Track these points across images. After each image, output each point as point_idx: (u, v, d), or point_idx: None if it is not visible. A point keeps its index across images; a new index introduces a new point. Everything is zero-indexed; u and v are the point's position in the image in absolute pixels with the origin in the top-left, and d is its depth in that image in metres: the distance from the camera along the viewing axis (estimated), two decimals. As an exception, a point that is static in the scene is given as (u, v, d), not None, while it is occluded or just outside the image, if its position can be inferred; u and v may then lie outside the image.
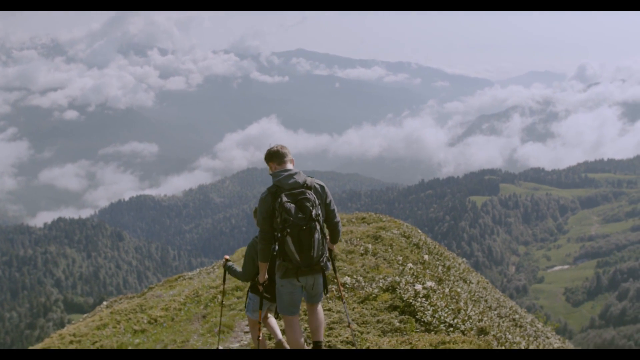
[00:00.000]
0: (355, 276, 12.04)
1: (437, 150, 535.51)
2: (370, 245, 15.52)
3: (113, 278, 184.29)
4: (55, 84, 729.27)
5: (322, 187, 6.64)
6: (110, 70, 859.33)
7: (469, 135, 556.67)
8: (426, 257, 15.80)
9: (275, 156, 6.80)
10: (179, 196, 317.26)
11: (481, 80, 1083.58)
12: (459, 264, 18.65)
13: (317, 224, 6.29)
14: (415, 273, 12.56)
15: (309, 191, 6.35)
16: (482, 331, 9.32)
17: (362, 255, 14.70)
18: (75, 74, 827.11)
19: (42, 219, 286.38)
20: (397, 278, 11.22)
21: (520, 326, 14.60)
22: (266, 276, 6.98)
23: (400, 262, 14.22)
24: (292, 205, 6.21)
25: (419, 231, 21.19)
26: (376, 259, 14.33)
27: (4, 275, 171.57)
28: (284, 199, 6.23)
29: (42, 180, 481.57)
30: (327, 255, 6.64)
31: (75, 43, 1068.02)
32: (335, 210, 6.72)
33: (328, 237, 6.85)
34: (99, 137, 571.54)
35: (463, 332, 9.02)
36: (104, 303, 22.28)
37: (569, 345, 17.87)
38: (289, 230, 6.16)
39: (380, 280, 11.45)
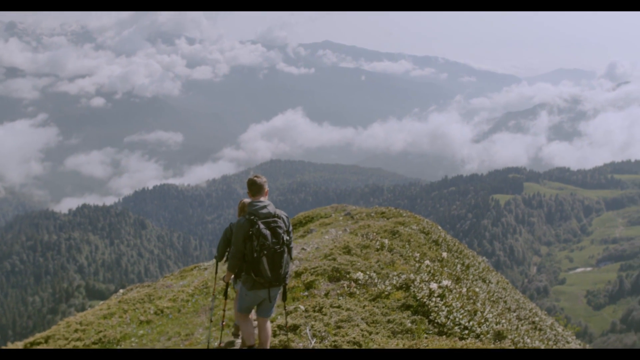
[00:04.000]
0: (368, 272, 11.63)
1: (461, 147, 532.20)
2: (387, 241, 15.12)
3: (135, 266, 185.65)
4: (83, 71, 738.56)
5: (287, 217, 7.82)
6: (137, 59, 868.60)
7: (494, 132, 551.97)
8: (445, 254, 15.38)
9: (252, 187, 7.91)
10: (202, 186, 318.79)
11: (508, 76, 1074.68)
12: (479, 263, 18.19)
13: (286, 247, 7.59)
14: (432, 271, 12.14)
15: (279, 220, 7.59)
16: (498, 335, 8.85)
17: (377, 250, 14.30)
18: (104, 61, 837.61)
19: (67, 205, 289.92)
20: (411, 275, 10.78)
21: (540, 329, 14.13)
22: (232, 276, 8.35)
23: (417, 259, 13.81)
24: (268, 232, 7.42)
25: (439, 228, 20.74)
26: (392, 254, 13.91)
27: (28, 259, 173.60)
28: (261, 226, 7.42)
29: (68, 166, 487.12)
30: (290, 270, 7.80)
31: (105, 30, 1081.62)
32: (292, 237, 7.83)
33: None
34: (125, 125, 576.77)
35: (478, 336, 8.57)
36: (121, 291, 22.12)
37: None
38: (265, 252, 7.37)
39: (394, 278, 11.02)
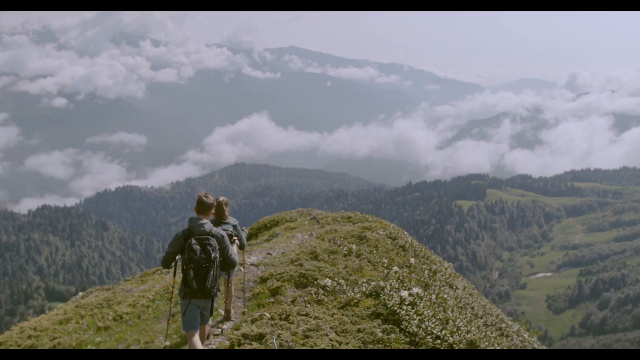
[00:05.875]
0: (336, 278, 11.30)
1: (425, 153, 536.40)
2: (354, 246, 14.83)
3: (96, 268, 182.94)
4: (45, 71, 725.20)
5: (222, 236, 8.45)
6: (101, 59, 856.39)
7: (458, 139, 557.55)
8: (412, 260, 15.15)
9: (200, 205, 8.60)
10: (166, 188, 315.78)
11: (472, 85, 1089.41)
12: (445, 269, 18.03)
13: (214, 264, 8.15)
14: (400, 277, 11.86)
15: (212, 238, 8.23)
16: (471, 344, 8.59)
17: (345, 256, 14.00)
18: (66, 61, 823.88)
19: (27, 205, 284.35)
20: (381, 283, 10.47)
21: (507, 336, 13.99)
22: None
23: (385, 265, 13.54)
24: (198, 247, 8.07)
25: (406, 233, 20.55)
26: (360, 260, 13.63)
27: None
28: (193, 241, 8.09)
29: (28, 166, 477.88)
30: (217, 286, 8.41)
31: (68, 30, 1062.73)
32: (232, 254, 8.57)
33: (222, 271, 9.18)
34: (87, 126, 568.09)
35: (451, 345, 8.30)
36: (80, 294, 21.44)
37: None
38: (192, 265, 8.02)
39: (364, 285, 10.70)
